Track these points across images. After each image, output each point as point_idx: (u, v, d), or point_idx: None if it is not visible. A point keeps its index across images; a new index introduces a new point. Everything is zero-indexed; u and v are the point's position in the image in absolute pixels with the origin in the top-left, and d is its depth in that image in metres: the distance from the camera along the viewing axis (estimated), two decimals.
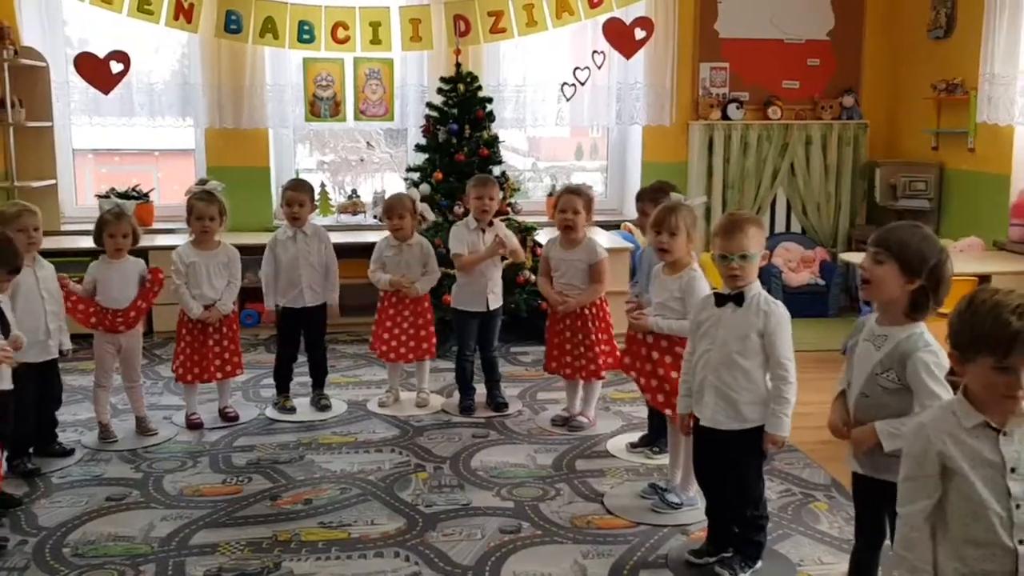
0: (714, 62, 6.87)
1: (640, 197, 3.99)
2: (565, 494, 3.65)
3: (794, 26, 6.91)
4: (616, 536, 3.31)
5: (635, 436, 4.19)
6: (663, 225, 3.36)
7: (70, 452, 4.01)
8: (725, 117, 6.81)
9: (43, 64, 6.11)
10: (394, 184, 7.00)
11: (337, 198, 6.96)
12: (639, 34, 6.40)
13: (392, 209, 4.56)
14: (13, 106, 5.84)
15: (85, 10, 6.03)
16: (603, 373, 4.28)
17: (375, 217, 6.69)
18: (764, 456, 2.97)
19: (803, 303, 6.32)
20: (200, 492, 3.67)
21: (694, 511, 3.44)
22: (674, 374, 3.43)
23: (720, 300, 2.92)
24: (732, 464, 2.95)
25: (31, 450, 3.89)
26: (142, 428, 4.27)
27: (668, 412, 3.51)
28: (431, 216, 4.74)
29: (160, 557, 3.13)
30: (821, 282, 6.67)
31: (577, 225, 4.18)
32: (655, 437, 4.03)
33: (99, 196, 6.34)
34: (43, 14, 6.25)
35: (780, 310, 2.87)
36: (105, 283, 4.10)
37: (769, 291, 3.02)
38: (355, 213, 6.84)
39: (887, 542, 2.57)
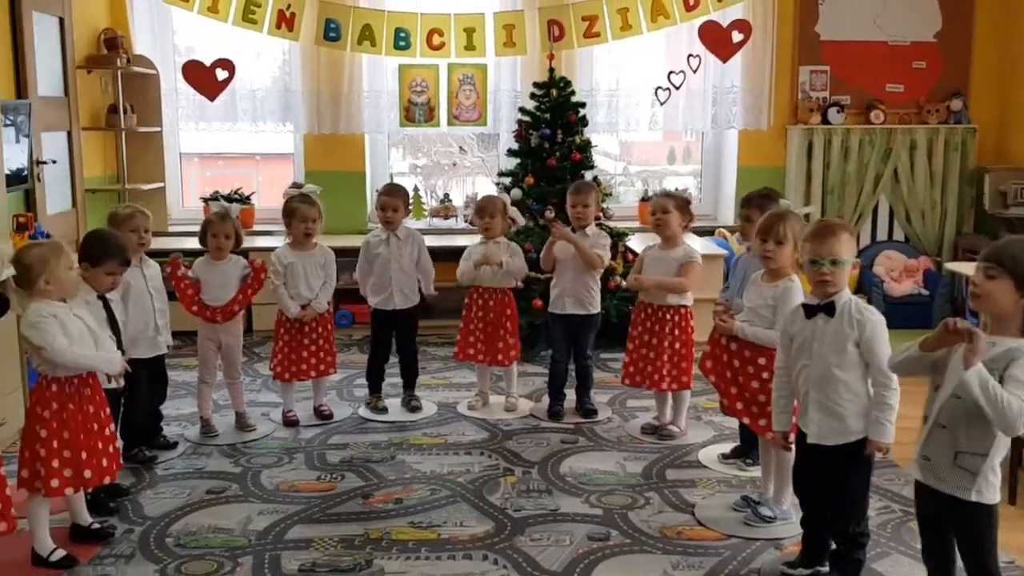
0: (814, 65, 6.70)
1: (747, 203, 3.89)
2: (655, 503, 3.60)
3: (899, 27, 6.69)
4: (707, 548, 3.25)
5: (727, 447, 4.12)
6: (770, 233, 3.30)
7: (173, 445, 4.17)
8: (825, 121, 6.64)
9: (153, 72, 6.37)
10: (485, 188, 7.06)
11: (429, 202, 7.05)
12: (736, 37, 6.30)
13: (484, 209, 4.60)
14: (125, 112, 6.11)
15: (192, 19, 6.25)
16: (664, 386, 4.21)
17: (467, 221, 6.77)
18: (871, 468, 2.88)
19: (906, 314, 6.09)
20: (295, 488, 3.76)
21: (788, 525, 3.35)
22: (754, 384, 3.38)
23: (810, 311, 2.85)
24: (838, 478, 2.86)
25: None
26: (241, 424, 4.41)
27: (746, 420, 3.46)
28: (521, 220, 4.75)
29: (257, 550, 3.22)
30: (925, 292, 6.43)
31: (668, 223, 4.13)
32: (748, 448, 3.95)
33: (204, 199, 6.59)
34: (154, 24, 6.52)
35: (874, 316, 2.79)
36: (207, 282, 4.25)
37: (870, 301, 2.94)
38: (447, 217, 6.92)
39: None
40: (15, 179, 4.86)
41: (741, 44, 6.34)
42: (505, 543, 3.28)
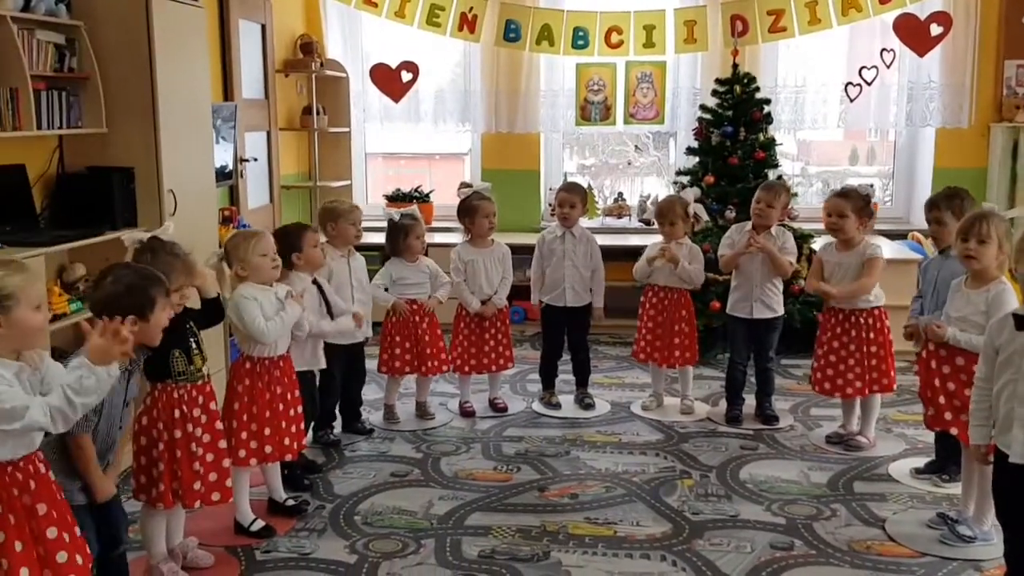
0: (1021, 59, 6.22)
1: (934, 206, 3.66)
2: (842, 515, 3.45)
3: None
4: (899, 565, 3.09)
5: (920, 461, 3.89)
6: (971, 232, 3.11)
7: (370, 431, 4.35)
8: None
9: (344, 75, 6.69)
10: (656, 188, 6.99)
11: (600, 202, 7.04)
12: (935, 30, 5.94)
13: (662, 214, 4.54)
14: (318, 113, 6.43)
15: (379, 23, 6.51)
16: (866, 392, 4.02)
17: (640, 220, 6.72)
18: None
19: None
20: (473, 476, 3.85)
21: (989, 547, 3.14)
22: (968, 392, 3.14)
23: (1021, 322, 2.63)
24: None
25: (334, 423, 4.28)
26: (421, 412, 4.56)
27: (954, 431, 3.25)
28: (705, 216, 4.65)
29: (439, 533, 3.32)
30: None
31: (843, 228, 3.95)
32: (944, 464, 3.72)
33: (386, 196, 6.86)
34: (345, 29, 6.84)
35: None
36: (405, 277, 4.40)
37: None
38: (620, 216, 6.89)
39: None
40: (221, 176, 5.22)
41: (940, 37, 5.97)
42: (683, 545, 3.23)
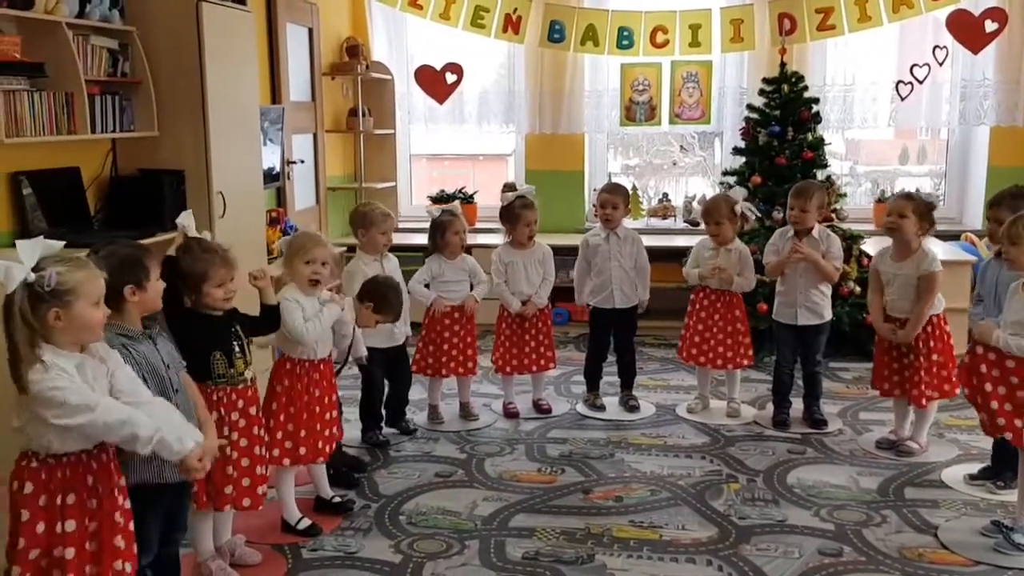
0: None
1: (995, 203, 3.59)
2: (892, 522, 3.39)
3: None
4: (952, 573, 3.02)
5: (974, 467, 3.80)
6: (1006, 235, 3.07)
7: (414, 431, 4.37)
8: None
9: (389, 77, 6.73)
10: (701, 188, 6.93)
11: (645, 202, 6.99)
12: (990, 26, 5.82)
13: (708, 215, 4.49)
14: (364, 115, 6.48)
15: (424, 25, 6.55)
16: (924, 402, 3.93)
17: (686, 222, 6.67)
18: None
19: None
20: (517, 477, 3.84)
21: None
22: (1021, 394, 3.06)
23: None
24: None
25: (383, 424, 4.30)
26: (465, 412, 4.57)
27: (1009, 435, 3.14)
28: (752, 214, 4.59)
29: (483, 535, 3.32)
30: None
31: (903, 228, 3.86)
32: (999, 469, 3.63)
33: (430, 197, 6.89)
34: (390, 31, 6.89)
35: None
36: (444, 275, 4.41)
37: None
38: (665, 217, 6.84)
39: None
40: (269, 177, 5.29)
41: (995, 34, 5.84)
42: (730, 550, 3.19)
